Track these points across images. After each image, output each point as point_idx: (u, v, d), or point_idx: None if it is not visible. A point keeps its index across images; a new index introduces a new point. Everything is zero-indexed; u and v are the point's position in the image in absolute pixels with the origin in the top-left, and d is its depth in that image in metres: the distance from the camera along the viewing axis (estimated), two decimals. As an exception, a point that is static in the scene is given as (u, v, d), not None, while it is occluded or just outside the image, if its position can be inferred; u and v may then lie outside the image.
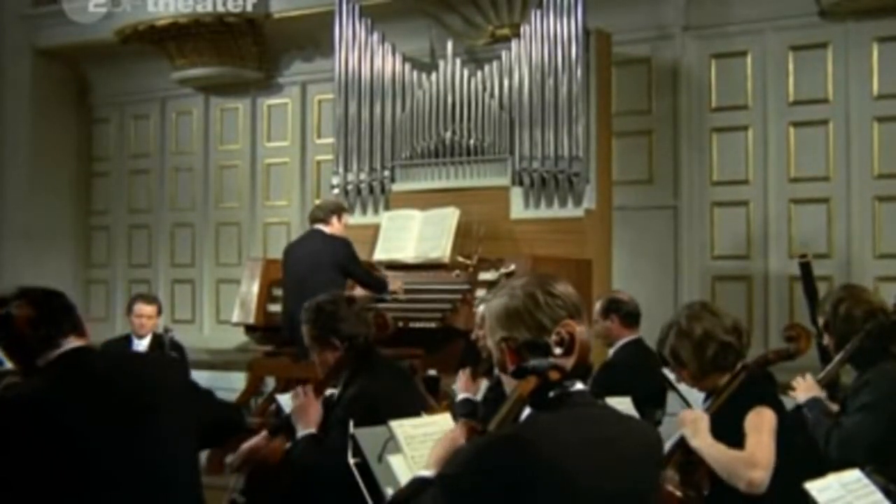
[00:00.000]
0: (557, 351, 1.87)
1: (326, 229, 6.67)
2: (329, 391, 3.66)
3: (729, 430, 3.01)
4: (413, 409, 3.29)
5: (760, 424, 3.01)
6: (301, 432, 3.48)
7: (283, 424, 3.62)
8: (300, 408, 3.50)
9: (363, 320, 3.66)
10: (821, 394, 3.70)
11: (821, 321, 3.89)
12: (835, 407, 3.71)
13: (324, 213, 6.73)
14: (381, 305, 6.21)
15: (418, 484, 2.02)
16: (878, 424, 3.45)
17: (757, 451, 2.94)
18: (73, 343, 2.63)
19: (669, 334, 3.24)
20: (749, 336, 3.25)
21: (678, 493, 2.92)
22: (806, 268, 5.44)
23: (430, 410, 3.59)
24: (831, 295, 3.98)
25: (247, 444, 3.58)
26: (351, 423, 3.01)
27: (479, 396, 4.21)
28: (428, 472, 2.00)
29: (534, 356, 1.90)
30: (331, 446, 3.32)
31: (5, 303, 2.66)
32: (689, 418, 3.08)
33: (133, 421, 2.52)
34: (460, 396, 4.11)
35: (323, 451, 3.39)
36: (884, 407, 3.49)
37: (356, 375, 3.59)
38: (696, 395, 3.58)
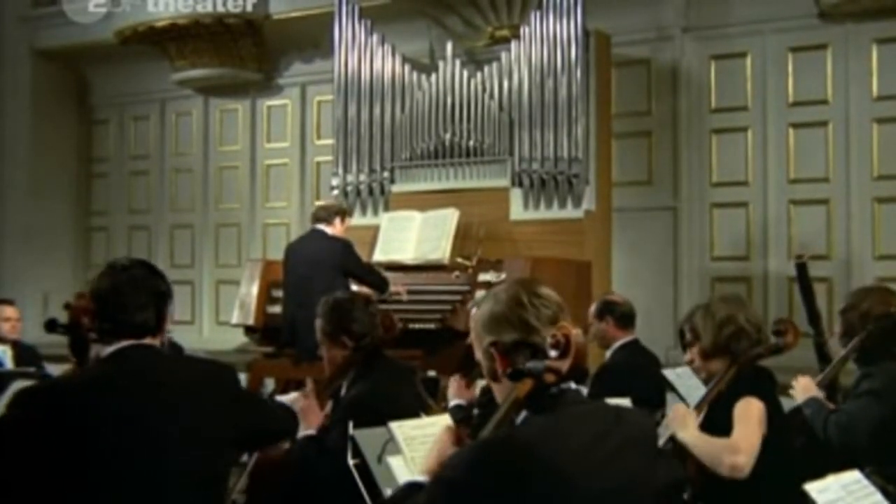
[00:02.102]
0: (553, 353, 1.87)
1: (328, 230, 6.66)
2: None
3: (721, 424, 3.05)
4: (414, 411, 3.31)
5: (747, 414, 3.06)
6: (301, 433, 3.49)
7: None
8: (302, 410, 3.52)
9: (375, 322, 3.71)
10: (819, 394, 3.71)
11: (842, 305, 3.94)
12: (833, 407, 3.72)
13: (327, 214, 6.73)
14: (382, 306, 6.19)
15: (411, 487, 2.03)
16: (881, 410, 3.48)
17: (741, 438, 2.99)
18: (128, 342, 2.52)
19: (696, 312, 3.35)
20: (767, 339, 3.30)
21: None
22: (802, 268, 5.44)
23: (429, 412, 3.60)
24: (864, 288, 4.09)
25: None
26: (350, 425, 3.02)
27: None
28: (421, 479, 2.01)
29: (523, 356, 1.91)
30: (330, 447, 3.34)
31: (115, 269, 2.55)
32: (677, 414, 3.14)
33: (139, 424, 2.46)
34: (452, 402, 4.10)
35: (321, 452, 3.41)
36: (887, 393, 3.51)
37: (361, 376, 3.64)
38: (694, 396, 3.59)
